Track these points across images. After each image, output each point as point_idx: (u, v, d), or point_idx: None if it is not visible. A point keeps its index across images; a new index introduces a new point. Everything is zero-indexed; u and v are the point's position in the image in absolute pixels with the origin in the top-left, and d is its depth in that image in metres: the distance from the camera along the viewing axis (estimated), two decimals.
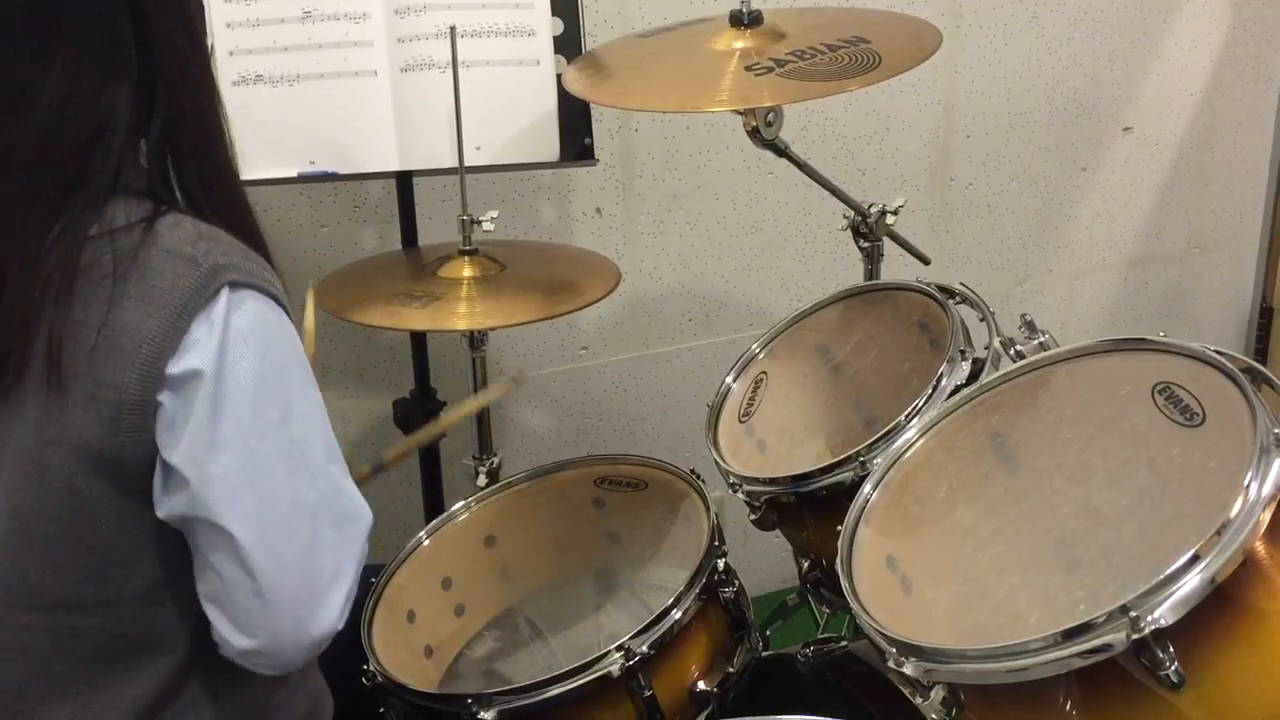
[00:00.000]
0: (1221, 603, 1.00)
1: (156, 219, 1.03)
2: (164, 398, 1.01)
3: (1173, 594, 0.98)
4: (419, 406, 1.94)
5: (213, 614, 1.07)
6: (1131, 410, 1.18)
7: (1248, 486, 1.01)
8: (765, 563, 2.41)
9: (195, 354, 1.01)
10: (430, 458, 1.94)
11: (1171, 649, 0.97)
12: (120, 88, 1.03)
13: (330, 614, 1.07)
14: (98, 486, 1.02)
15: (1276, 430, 1.04)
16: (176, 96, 1.06)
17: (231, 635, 1.06)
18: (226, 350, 1.01)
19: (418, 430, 1.68)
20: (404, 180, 1.89)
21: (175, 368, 1.00)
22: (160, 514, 1.04)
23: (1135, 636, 0.97)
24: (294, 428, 1.05)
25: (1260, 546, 1.02)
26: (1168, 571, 0.98)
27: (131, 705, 1.08)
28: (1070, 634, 1.00)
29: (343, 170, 1.77)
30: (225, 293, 1.02)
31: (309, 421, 1.07)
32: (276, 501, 1.04)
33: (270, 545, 1.03)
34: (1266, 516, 1.01)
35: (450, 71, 1.67)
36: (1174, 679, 0.97)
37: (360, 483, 1.49)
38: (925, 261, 1.93)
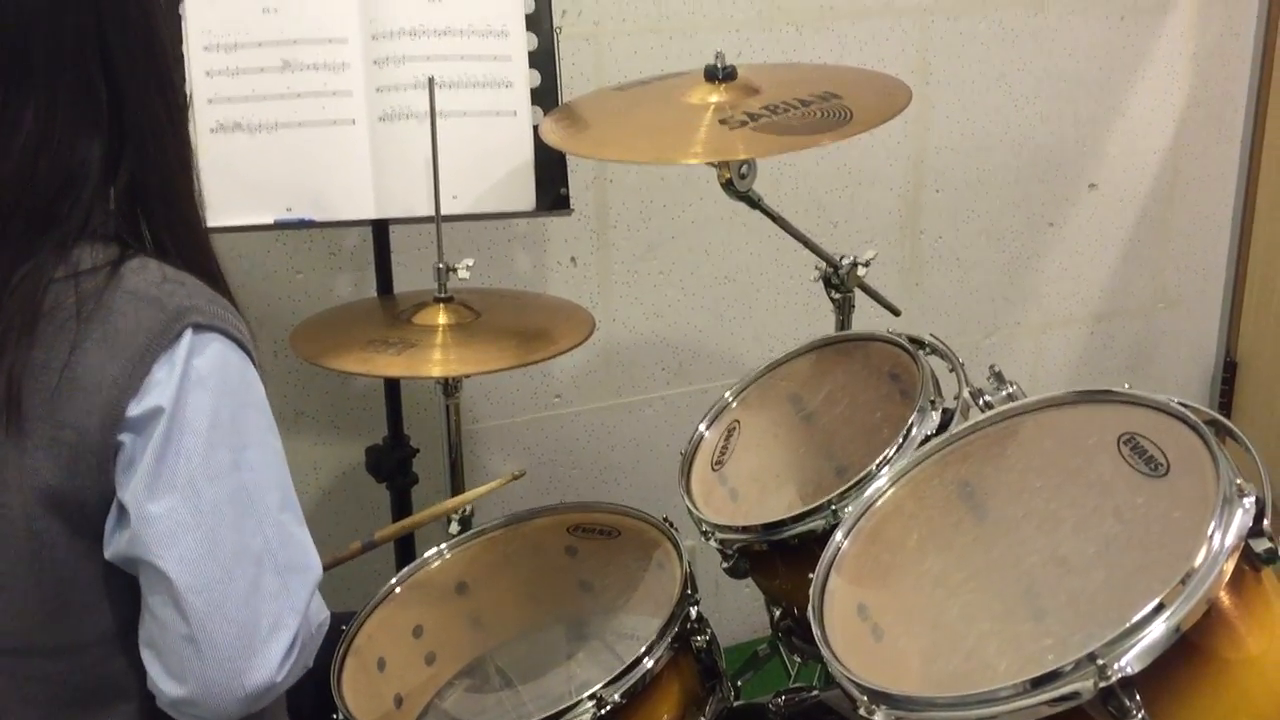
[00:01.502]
0: (1186, 651, 1.01)
1: (122, 262, 1.04)
2: (125, 438, 1.01)
3: (1138, 642, 0.99)
4: (392, 454, 1.94)
5: (147, 659, 1.05)
6: (1098, 460, 1.20)
7: (1211, 536, 1.03)
8: (737, 613, 2.41)
9: (155, 394, 1.01)
10: (403, 503, 1.94)
11: (1138, 697, 0.99)
12: (92, 138, 1.04)
13: (266, 666, 1.04)
14: (56, 528, 1.02)
15: (1239, 481, 1.06)
16: (146, 147, 1.07)
17: (163, 682, 1.04)
18: (184, 390, 1.02)
19: (414, 514, 1.68)
20: (380, 228, 1.91)
21: (136, 409, 1.01)
22: (107, 554, 1.04)
23: (1102, 685, 0.98)
24: (245, 473, 1.05)
25: (1224, 596, 1.03)
26: (1133, 620, 1.00)
27: None
28: (1039, 682, 1.01)
29: (319, 218, 1.78)
30: (189, 334, 1.03)
31: (263, 468, 1.07)
32: (218, 546, 1.03)
33: (207, 589, 1.02)
34: (1230, 566, 1.02)
35: (428, 121, 1.69)
36: None
37: (349, 559, 1.50)
38: (896, 313, 1.95)
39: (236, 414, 1.05)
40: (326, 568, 1.44)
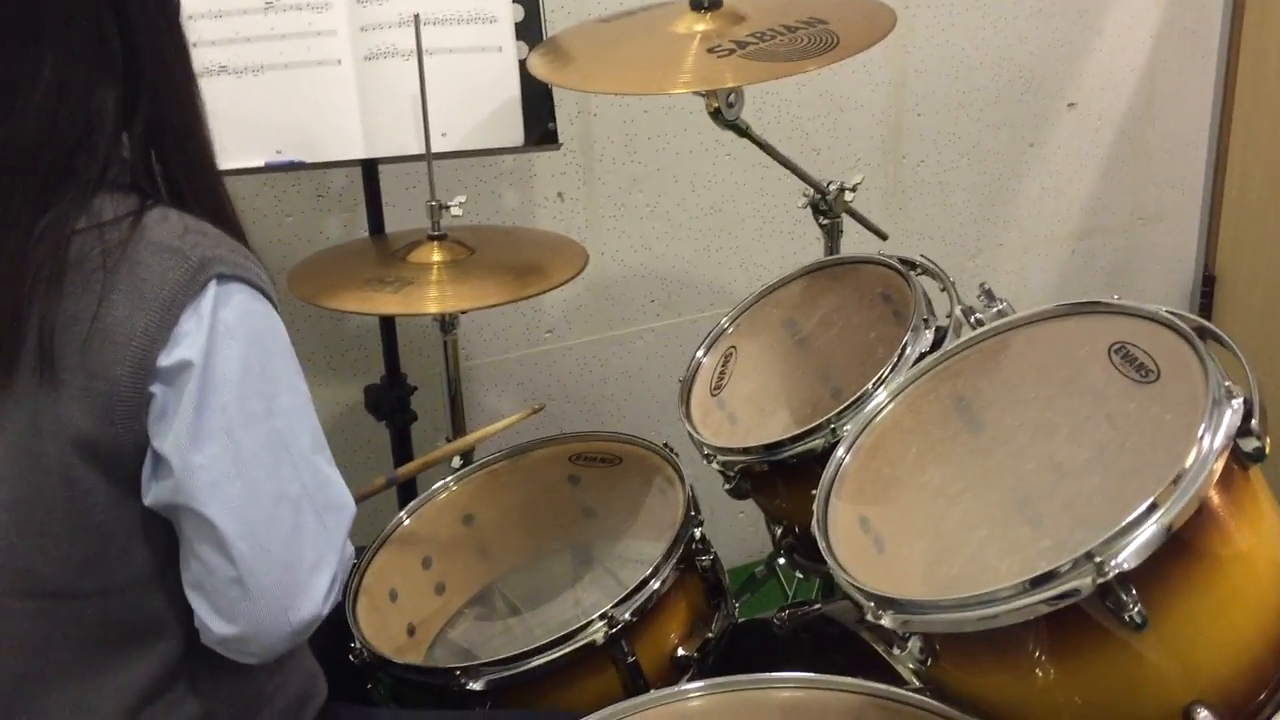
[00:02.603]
0: (1179, 549, 1.05)
1: (144, 213, 1.05)
2: (156, 389, 1.03)
3: (1133, 540, 1.02)
4: (390, 392, 1.96)
5: (195, 600, 1.08)
6: (1089, 369, 1.23)
7: (1201, 438, 1.06)
8: (731, 537, 2.46)
9: (185, 346, 1.03)
10: (403, 440, 1.97)
11: (1134, 592, 1.02)
12: (108, 86, 1.05)
13: (313, 601, 1.09)
14: (92, 476, 1.04)
15: (1227, 384, 1.09)
16: (161, 92, 1.08)
17: (213, 622, 1.07)
18: (214, 342, 1.03)
19: (432, 452, 1.71)
20: (370, 168, 1.91)
21: (166, 360, 1.02)
22: (146, 501, 1.06)
23: (1100, 581, 1.01)
24: (279, 419, 1.07)
25: (1214, 494, 1.06)
26: (1128, 519, 1.02)
27: (130, 690, 1.10)
28: (1038, 581, 1.04)
29: (309, 159, 1.78)
30: (213, 285, 1.04)
31: (294, 412, 1.09)
32: (259, 491, 1.06)
33: (252, 534, 1.05)
34: (1219, 466, 1.05)
35: (413, 59, 1.69)
36: (1138, 620, 1.02)
37: (374, 494, 1.53)
38: (883, 237, 1.98)
39: (265, 361, 1.07)
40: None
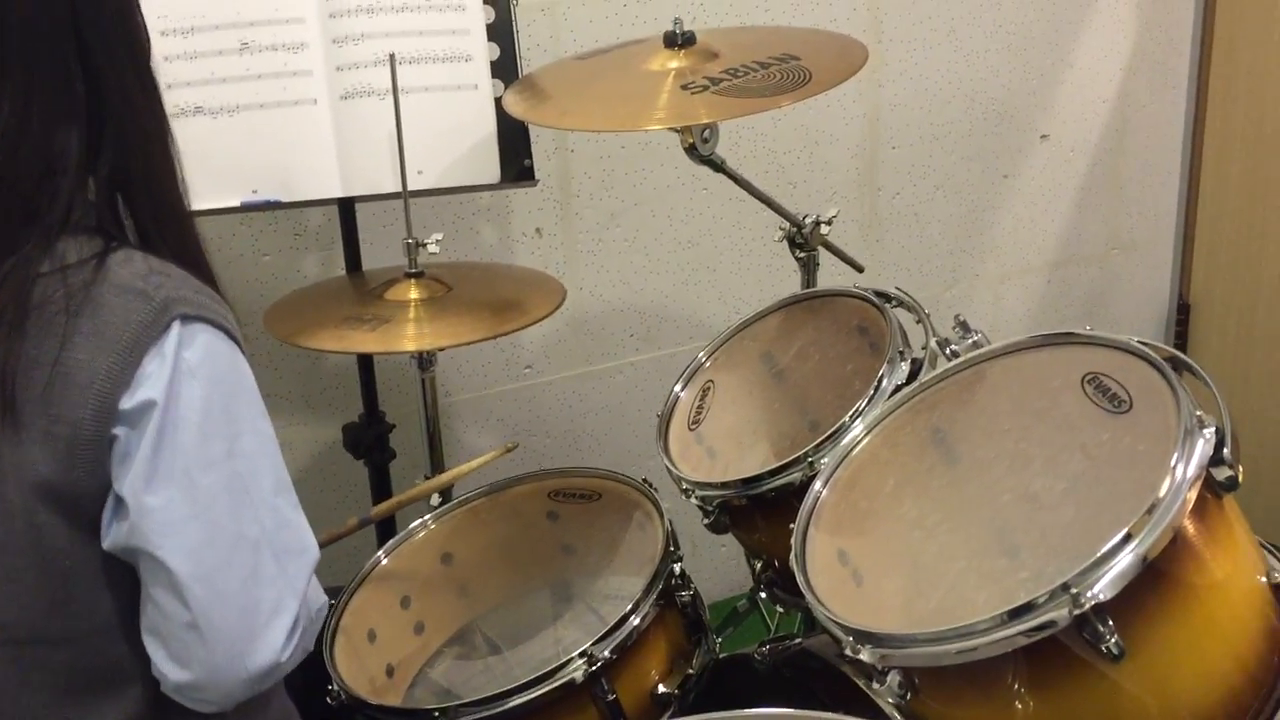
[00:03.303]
0: (1155, 579, 1.06)
1: (108, 255, 1.05)
2: (119, 431, 1.02)
3: (1109, 571, 1.03)
4: (368, 430, 1.95)
5: (151, 646, 1.07)
6: (1063, 400, 1.24)
7: (1174, 467, 1.07)
8: (714, 571, 2.46)
9: (148, 387, 1.02)
10: (382, 479, 1.96)
11: (1111, 623, 1.03)
12: (70, 127, 1.04)
13: (270, 648, 1.06)
14: (55, 521, 1.03)
15: (1199, 413, 1.10)
16: (127, 137, 1.07)
17: (168, 668, 1.06)
18: (176, 382, 1.03)
19: (408, 490, 1.70)
20: (346, 206, 1.91)
21: (129, 402, 1.02)
22: (105, 545, 1.05)
23: (1077, 612, 1.02)
24: (240, 461, 1.06)
25: (1188, 524, 1.07)
26: (1103, 550, 1.03)
27: None
28: (1015, 613, 1.05)
29: (286, 198, 1.78)
30: (176, 326, 1.03)
31: (257, 454, 1.08)
32: (217, 534, 1.04)
33: (207, 578, 1.03)
34: (1193, 495, 1.06)
35: (389, 98, 1.70)
36: (1115, 651, 1.02)
37: (347, 535, 1.52)
38: (859, 269, 1.99)
39: (228, 403, 1.06)
40: (322, 545, 1.46)
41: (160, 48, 1.74)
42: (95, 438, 1.02)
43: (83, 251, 1.04)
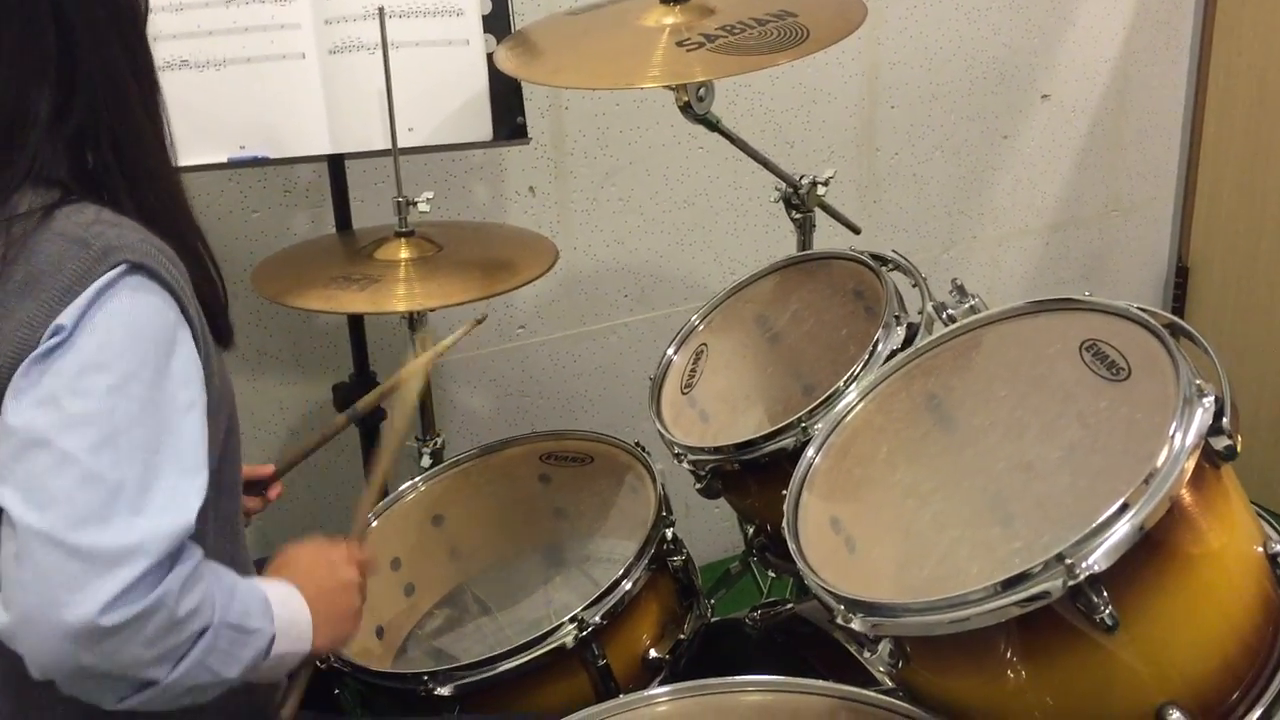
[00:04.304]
0: (1150, 549, 1.04)
1: (59, 206, 1.02)
2: None
3: (1104, 541, 1.01)
4: (359, 390, 1.93)
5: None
6: (1060, 367, 1.22)
7: (1172, 436, 1.05)
8: (707, 534, 2.45)
9: (63, 316, 0.98)
10: (372, 440, 1.94)
11: (1105, 594, 1.01)
12: (41, 86, 1.02)
13: (92, 602, 0.94)
14: None
15: (1198, 382, 1.09)
16: (100, 94, 1.04)
17: None
18: (88, 313, 0.99)
19: (389, 379, 1.65)
20: (336, 163, 1.88)
21: (45, 341, 0.98)
22: None
23: (1071, 583, 1.00)
24: (123, 401, 0.98)
25: (1185, 494, 1.06)
26: (1099, 520, 1.02)
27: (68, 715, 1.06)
28: (1009, 584, 1.03)
29: (274, 154, 1.76)
30: (112, 271, 1.00)
31: (148, 405, 1.00)
32: (67, 464, 0.96)
33: (42, 508, 0.95)
34: (1191, 465, 1.04)
35: (379, 53, 1.67)
36: (1109, 622, 1.01)
37: (338, 432, 1.49)
38: (856, 231, 1.97)
39: (134, 345, 1.00)
40: (316, 446, 1.42)
41: None
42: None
43: (34, 203, 1.02)
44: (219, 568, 1.08)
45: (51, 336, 0.98)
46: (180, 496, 1.01)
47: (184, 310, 1.05)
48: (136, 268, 1.01)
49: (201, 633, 1.01)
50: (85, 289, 0.99)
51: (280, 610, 1.11)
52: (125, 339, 1.00)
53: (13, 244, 1.00)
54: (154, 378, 1.01)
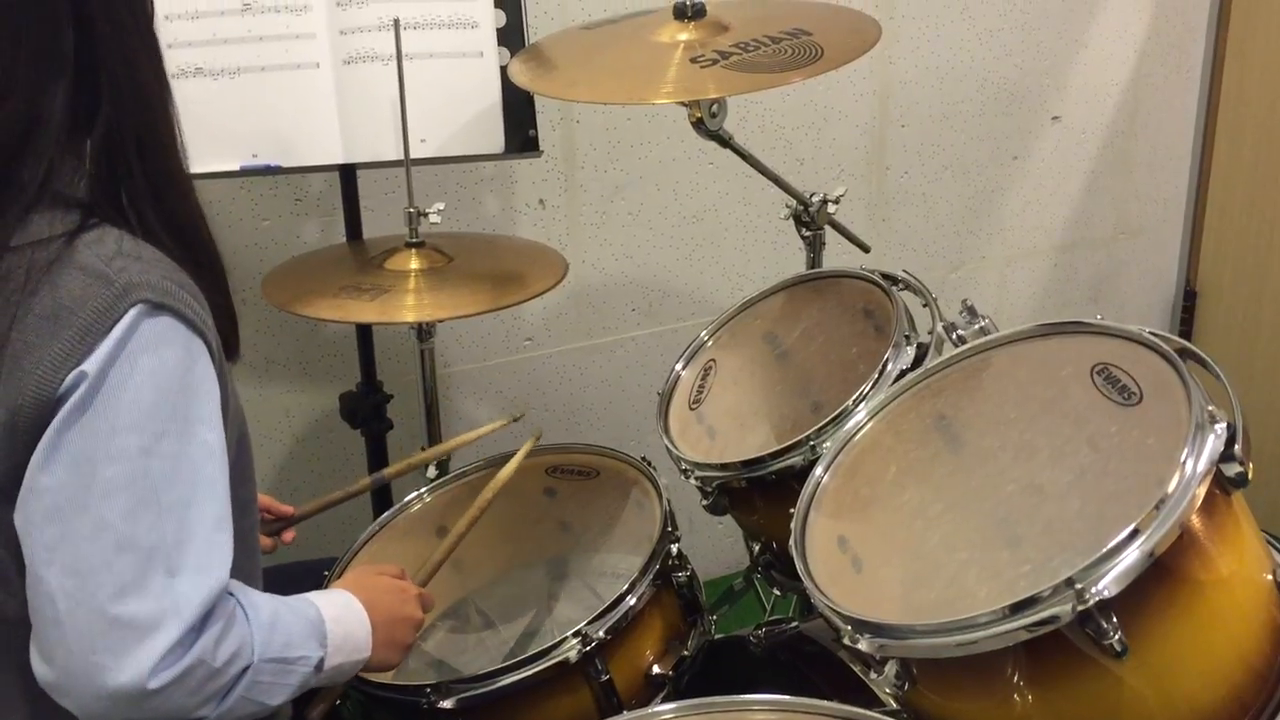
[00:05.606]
0: (1160, 575, 1.04)
1: (80, 232, 1.00)
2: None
3: (1114, 567, 1.01)
4: (365, 400, 1.93)
5: (33, 634, 1.00)
6: (1071, 390, 1.22)
7: (1184, 462, 1.05)
8: (711, 550, 2.44)
9: (88, 364, 0.97)
10: (378, 451, 1.94)
11: (1115, 619, 1.01)
12: (57, 86, 0.99)
13: (135, 669, 0.95)
14: (4, 510, 0.99)
15: (1210, 408, 1.09)
16: (124, 95, 1.02)
17: (35, 660, 0.99)
18: (113, 361, 0.97)
19: (421, 452, 1.69)
20: (348, 173, 1.89)
21: (67, 383, 0.96)
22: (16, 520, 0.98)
23: (1080, 608, 1.00)
24: (155, 462, 0.98)
25: (1196, 520, 1.06)
26: (1109, 545, 1.02)
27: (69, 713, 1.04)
28: (1018, 607, 1.03)
29: (286, 163, 1.76)
30: (134, 311, 0.98)
31: (180, 460, 0.99)
32: (103, 533, 0.95)
33: (80, 575, 0.95)
34: (1202, 491, 1.04)
35: (393, 64, 1.67)
36: (1118, 648, 1.01)
37: (360, 493, 1.49)
38: (865, 249, 1.96)
39: (164, 398, 0.99)
40: (336, 502, 1.42)
41: (161, 6, 1.69)
42: (37, 425, 0.96)
43: (54, 227, 0.99)
44: (257, 600, 1.07)
45: (76, 383, 0.96)
46: (214, 551, 1.01)
47: (205, 341, 1.03)
48: (158, 308, 0.99)
49: (243, 672, 1.02)
50: (108, 331, 0.97)
51: (334, 627, 1.12)
52: (154, 396, 0.98)
53: (35, 270, 0.97)
54: (183, 427, 1.00)
